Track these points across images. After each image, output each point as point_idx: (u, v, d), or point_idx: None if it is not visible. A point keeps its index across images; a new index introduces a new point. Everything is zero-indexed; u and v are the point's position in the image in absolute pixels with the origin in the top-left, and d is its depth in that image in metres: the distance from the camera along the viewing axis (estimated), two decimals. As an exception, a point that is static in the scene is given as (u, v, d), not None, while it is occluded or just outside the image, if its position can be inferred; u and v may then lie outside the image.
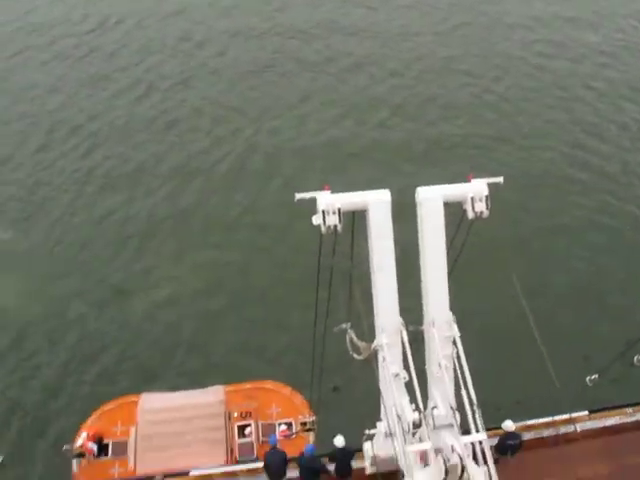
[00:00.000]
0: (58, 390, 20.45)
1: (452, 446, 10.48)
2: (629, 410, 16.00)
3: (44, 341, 21.83)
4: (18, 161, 28.92)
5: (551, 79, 33.45)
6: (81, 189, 27.55)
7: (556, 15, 38.53)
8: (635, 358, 17.10)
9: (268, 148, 29.32)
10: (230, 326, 22.07)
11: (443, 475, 10.36)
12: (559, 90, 32.75)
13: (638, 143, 29.94)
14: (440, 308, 11.60)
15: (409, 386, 11.20)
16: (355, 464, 14.45)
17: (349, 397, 18.40)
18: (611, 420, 15.77)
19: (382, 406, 12.48)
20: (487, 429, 10.85)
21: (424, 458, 11.01)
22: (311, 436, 17.03)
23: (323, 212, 10.69)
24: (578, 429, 15.43)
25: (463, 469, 10.33)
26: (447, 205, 11.12)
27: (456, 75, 33.62)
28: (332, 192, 10.96)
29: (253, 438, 16.97)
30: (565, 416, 15.31)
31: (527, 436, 15.04)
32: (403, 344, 11.53)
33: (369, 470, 14.23)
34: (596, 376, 17.31)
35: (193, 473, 14.80)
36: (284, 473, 14.43)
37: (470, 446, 10.59)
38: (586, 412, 15.65)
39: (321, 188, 10.96)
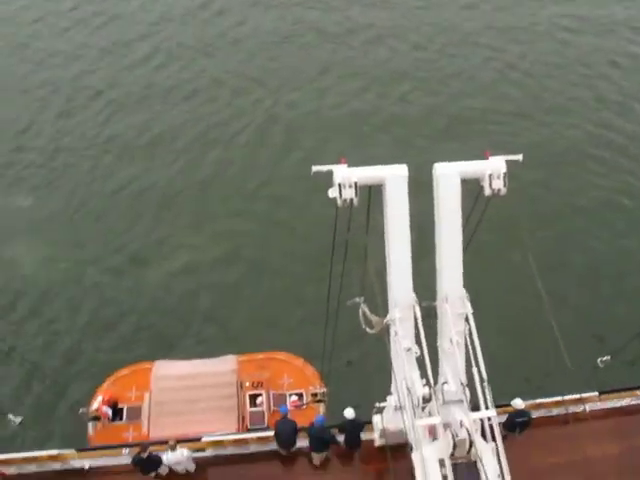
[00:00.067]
0: (76, 355, 20.84)
1: (461, 421, 10.55)
2: (640, 392, 15.94)
3: (63, 308, 22.19)
4: (38, 128, 29.05)
5: (575, 55, 32.72)
6: (101, 157, 27.67)
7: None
8: None
9: (287, 120, 29.15)
10: (246, 296, 22.26)
11: (451, 449, 10.47)
12: (583, 67, 32.04)
13: (664, 123, 29.33)
14: (454, 284, 11.62)
15: (420, 361, 11.26)
16: (364, 436, 14.65)
17: (360, 370, 18.52)
18: (621, 402, 15.72)
19: (393, 380, 12.56)
20: (496, 406, 10.94)
21: (433, 432, 11.15)
22: (321, 407, 17.26)
23: (339, 185, 10.67)
24: (587, 409, 15.44)
25: (471, 444, 10.42)
26: (464, 181, 11.03)
27: (480, 49, 33.02)
28: (350, 166, 10.89)
29: (264, 407, 17.20)
30: (576, 396, 15.29)
31: (536, 414, 15.07)
32: (415, 319, 11.59)
33: (378, 442, 14.44)
34: (608, 357, 17.32)
35: (205, 439, 15.03)
36: (294, 442, 14.68)
37: (479, 422, 10.69)
38: (596, 393, 15.60)
39: (338, 161, 10.93)
